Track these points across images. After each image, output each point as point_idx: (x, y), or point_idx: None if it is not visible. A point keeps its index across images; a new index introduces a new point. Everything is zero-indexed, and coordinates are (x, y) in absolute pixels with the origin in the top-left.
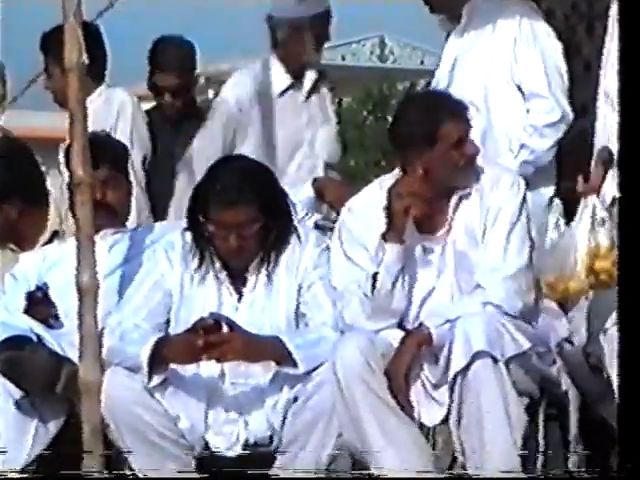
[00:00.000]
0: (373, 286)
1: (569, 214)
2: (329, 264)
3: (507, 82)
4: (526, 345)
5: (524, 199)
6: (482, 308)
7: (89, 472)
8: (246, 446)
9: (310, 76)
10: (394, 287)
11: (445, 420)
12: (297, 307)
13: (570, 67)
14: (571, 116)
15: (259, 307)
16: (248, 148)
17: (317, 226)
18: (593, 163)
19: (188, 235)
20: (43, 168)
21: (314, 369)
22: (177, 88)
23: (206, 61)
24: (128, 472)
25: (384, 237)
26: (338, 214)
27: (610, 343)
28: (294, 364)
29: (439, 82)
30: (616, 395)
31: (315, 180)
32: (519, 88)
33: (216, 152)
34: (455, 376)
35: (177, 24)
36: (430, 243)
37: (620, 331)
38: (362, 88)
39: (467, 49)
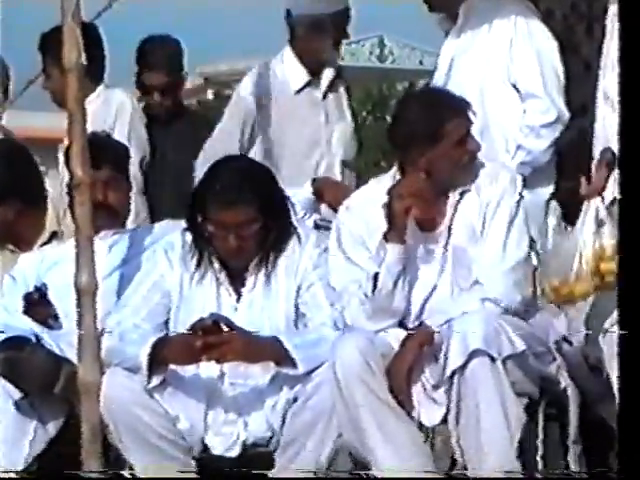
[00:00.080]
0: (374, 286)
1: (569, 215)
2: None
3: (503, 82)
4: (522, 346)
5: (522, 195)
6: (481, 304)
7: (88, 473)
8: (245, 447)
9: (328, 74)
10: (395, 287)
11: (444, 420)
12: (296, 307)
13: (569, 67)
14: (567, 116)
15: (258, 307)
16: (265, 144)
17: (316, 226)
18: (595, 165)
19: (188, 235)
20: (42, 168)
21: (313, 369)
22: (166, 87)
23: (205, 61)
24: (127, 473)
25: (385, 237)
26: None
27: (609, 344)
28: (293, 364)
29: (436, 83)
30: (616, 395)
31: (314, 180)
32: (515, 88)
33: (233, 148)
34: (452, 375)
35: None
36: (431, 241)
37: (620, 331)
38: (361, 88)
39: (464, 49)
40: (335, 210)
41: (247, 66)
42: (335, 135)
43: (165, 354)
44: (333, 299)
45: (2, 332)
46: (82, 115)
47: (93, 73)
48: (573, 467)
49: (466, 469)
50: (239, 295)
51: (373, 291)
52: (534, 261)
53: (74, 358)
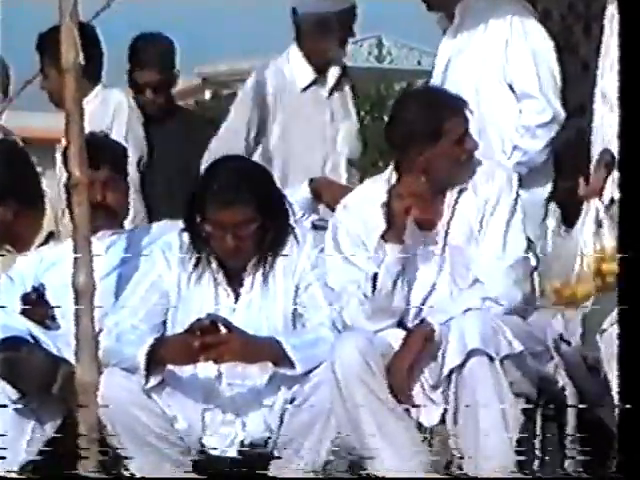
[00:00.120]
0: (373, 286)
1: (568, 216)
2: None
3: (499, 82)
4: (519, 347)
5: (518, 193)
6: (482, 303)
7: (86, 473)
8: (243, 447)
9: (334, 72)
10: (394, 287)
11: (442, 420)
12: (294, 308)
13: (567, 67)
14: (563, 116)
15: (256, 308)
16: (271, 142)
17: (314, 226)
18: (594, 165)
19: (186, 236)
20: (39, 169)
21: (311, 370)
22: (158, 84)
23: (203, 62)
24: (125, 473)
25: (384, 237)
26: None
27: (608, 344)
28: (291, 365)
29: (434, 82)
30: (614, 396)
31: (312, 180)
32: (511, 88)
33: (239, 146)
34: (450, 374)
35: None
36: (428, 240)
37: (620, 331)
38: (359, 89)
39: (460, 49)
40: (333, 210)
41: (245, 66)
42: (340, 134)
43: (163, 354)
44: (331, 299)
45: None
46: (80, 115)
47: (91, 73)
48: (571, 467)
49: (463, 468)
50: (237, 295)
51: (372, 291)
52: (532, 261)
53: (72, 358)
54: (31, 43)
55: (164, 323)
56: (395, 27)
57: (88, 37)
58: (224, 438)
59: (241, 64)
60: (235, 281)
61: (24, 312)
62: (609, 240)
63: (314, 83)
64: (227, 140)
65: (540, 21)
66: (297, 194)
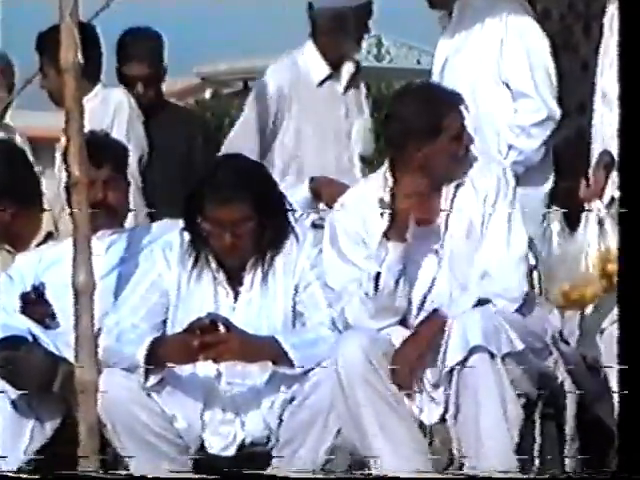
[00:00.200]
0: (376, 285)
1: (570, 217)
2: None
3: (495, 81)
4: (521, 345)
5: (515, 187)
6: (494, 297)
7: (85, 472)
8: (243, 446)
9: (348, 68)
10: (397, 285)
11: (443, 419)
12: (294, 307)
13: (567, 66)
14: (559, 115)
15: (256, 307)
16: (287, 136)
17: (314, 225)
18: (594, 167)
19: (186, 235)
20: (39, 168)
21: (311, 369)
22: (148, 78)
23: (204, 61)
24: (124, 472)
25: (386, 236)
26: None
27: (607, 343)
28: (291, 364)
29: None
30: (614, 395)
31: (312, 180)
32: (508, 87)
33: (255, 141)
34: (451, 370)
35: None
36: (427, 235)
37: (620, 331)
38: None
39: (457, 48)
40: None
41: (244, 66)
42: (354, 129)
43: (162, 353)
44: (332, 299)
45: None
46: (79, 114)
47: (90, 73)
48: (570, 467)
49: (464, 467)
50: (237, 294)
51: (375, 290)
52: (532, 260)
53: (71, 357)
54: (31, 42)
55: (164, 322)
56: (394, 26)
57: (88, 37)
58: (224, 437)
59: (240, 63)
60: (235, 280)
61: (24, 311)
62: (613, 240)
63: (329, 78)
64: (243, 136)
65: (539, 20)
66: (297, 193)
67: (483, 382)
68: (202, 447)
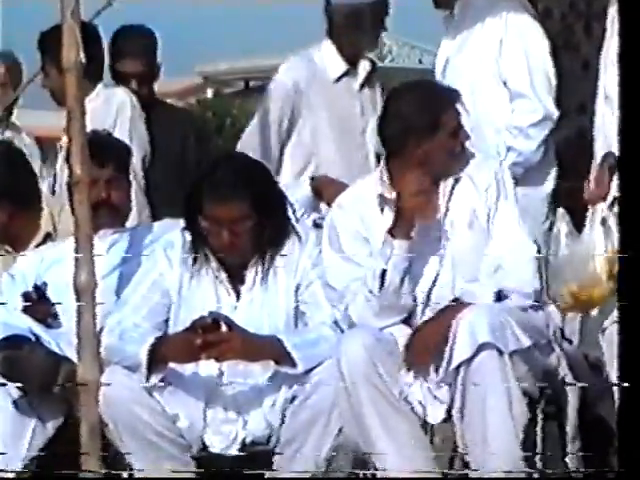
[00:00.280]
0: (381, 283)
1: (575, 218)
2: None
3: (496, 81)
4: (527, 342)
5: (513, 183)
6: (510, 291)
7: (87, 472)
8: (244, 445)
9: (365, 66)
10: (402, 283)
11: (447, 418)
12: (296, 306)
13: (568, 66)
14: (556, 115)
15: (257, 306)
16: (304, 132)
17: (315, 225)
18: (598, 168)
19: (187, 234)
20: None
21: (313, 368)
22: (143, 75)
23: (205, 61)
24: (126, 472)
25: (391, 233)
26: None
27: (609, 342)
28: (293, 363)
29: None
30: (616, 394)
31: (313, 179)
32: (507, 87)
33: (271, 136)
34: (458, 367)
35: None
36: (428, 231)
37: (620, 331)
38: None
39: (459, 48)
40: None
41: (245, 65)
42: (369, 127)
43: (164, 352)
44: (334, 299)
45: None
46: (81, 113)
47: (92, 72)
48: (572, 466)
49: (468, 465)
50: (238, 294)
51: (380, 288)
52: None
53: (73, 357)
54: (31, 42)
55: (166, 321)
56: (396, 25)
57: (90, 36)
58: (225, 436)
59: (241, 63)
60: (236, 279)
61: (26, 310)
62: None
63: (345, 75)
64: (260, 132)
65: (541, 20)
66: (298, 192)
67: (490, 379)
68: (204, 446)
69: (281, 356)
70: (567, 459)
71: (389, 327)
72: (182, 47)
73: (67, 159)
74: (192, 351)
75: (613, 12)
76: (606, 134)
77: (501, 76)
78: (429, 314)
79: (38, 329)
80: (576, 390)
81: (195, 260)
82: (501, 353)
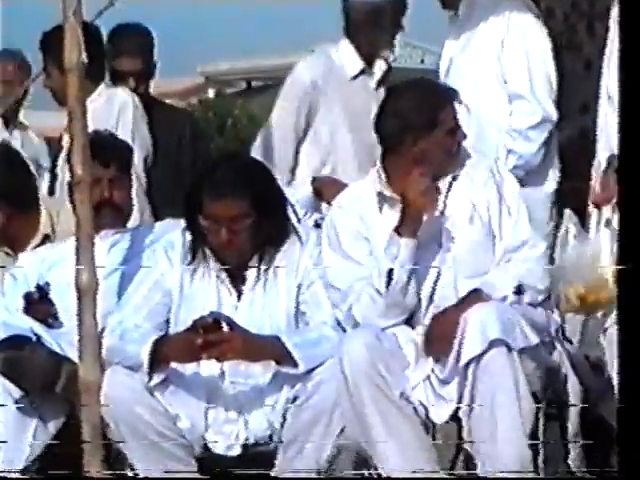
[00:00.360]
0: (388, 282)
1: (580, 218)
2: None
3: (498, 81)
4: (535, 340)
5: (511, 182)
6: (527, 279)
7: (89, 472)
8: (246, 445)
9: (381, 65)
10: (409, 282)
11: (452, 417)
12: (297, 306)
13: (571, 66)
14: (555, 117)
15: (259, 306)
16: (321, 129)
17: (317, 225)
18: (603, 171)
19: (188, 234)
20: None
21: (314, 368)
22: (140, 73)
23: (207, 61)
24: (128, 472)
25: (398, 232)
26: None
27: (610, 342)
28: (294, 363)
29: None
30: (616, 394)
31: (314, 179)
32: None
33: (290, 131)
34: (467, 364)
35: (177, 24)
36: (430, 228)
37: (620, 331)
38: None
39: (462, 48)
40: None
41: (246, 65)
42: None
43: (166, 352)
44: (337, 299)
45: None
46: (83, 114)
47: (94, 72)
48: (573, 466)
49: (473, 462)
50: (239, 293)
51: (387, 287)
52: None
53: (75, 357)
54: (32, 42)
55: (167, 321)
56: None
57: (91, 36)
58: (227, 436)
59: (242, 63)
60: (237, 279)
61: (27, 311)
62: None
63: (362, 73)
64: (277, 129)
65: (541, 19)
66: (299, 193)
67: (500, 376)
68: (206, 447)
69: (282, 356)
70: (569, 459)
71: (391, 327)
72: (184, 47)
73: (68, 159)
74: (193, 351)
75: (616, 12)
76: (609, 134)
77: (503, 76)
78: (433, 311)
79: (39, 329)
80: (577, 383)
81: (193, 259)
82: (510, 350)
